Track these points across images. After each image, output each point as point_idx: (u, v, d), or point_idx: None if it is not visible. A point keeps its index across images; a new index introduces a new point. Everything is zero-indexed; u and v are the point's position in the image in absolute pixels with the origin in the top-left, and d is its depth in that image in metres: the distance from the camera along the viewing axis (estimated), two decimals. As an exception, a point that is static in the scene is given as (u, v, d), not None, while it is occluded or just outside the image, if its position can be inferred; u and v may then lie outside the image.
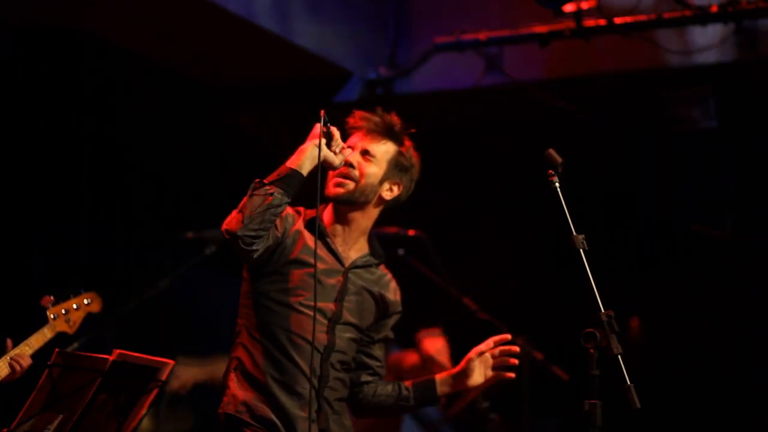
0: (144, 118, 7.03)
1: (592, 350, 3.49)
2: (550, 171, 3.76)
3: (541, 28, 6.82)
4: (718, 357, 7.06)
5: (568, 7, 6.59)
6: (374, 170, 4.16)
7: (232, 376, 4.06)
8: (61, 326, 4.25)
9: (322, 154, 3.97)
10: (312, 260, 4.05)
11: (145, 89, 7.03)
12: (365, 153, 4.17)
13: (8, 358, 4.04)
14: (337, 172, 4.15)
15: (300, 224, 4.13)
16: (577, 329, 3.53)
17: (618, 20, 6.68)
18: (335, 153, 4.03)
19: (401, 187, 4.23)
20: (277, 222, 4.02)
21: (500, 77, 7.12)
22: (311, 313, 4.02)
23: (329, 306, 4.09)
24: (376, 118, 4.21)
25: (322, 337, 4.06)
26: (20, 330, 4.20)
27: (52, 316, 4.23)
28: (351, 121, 4.22)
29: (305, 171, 3.95)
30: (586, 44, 6.82)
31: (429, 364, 6.22)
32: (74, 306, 4.33)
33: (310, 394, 4.00)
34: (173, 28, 6.78)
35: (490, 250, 7.56)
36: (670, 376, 7.09)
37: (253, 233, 3.89)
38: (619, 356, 3.46)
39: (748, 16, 6.56)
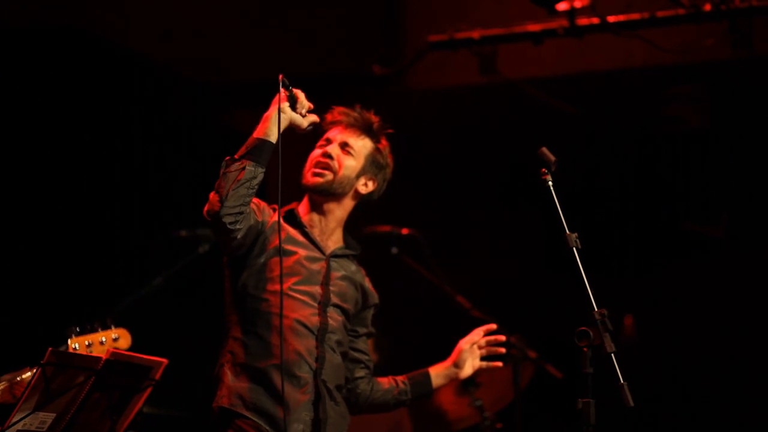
0: (139, 116, 7.02)
1: (585, 349, 3.50)
2: (543, 169, 3.77)
3: (534, 27, 6.83)
4: (711, 355, 7.06)
5: (562, 6, 6.60)
6: (352, 163, 4.23)
7: (226, 369, 4.09)
8: None
9: (289, 117, 3.99)
10: (294, 248, 4.13)
11: (141, 87, 7.02)
12: (344, 145, 4.24)
13: (10, 384, 3.99)
14: (315, 161, 4.22)
15: (277, 217, 4.17)
16: (571, 327, 3.53)
17: (611, 18, 6.69)
18: (302, 115, 4.03)
19: (375, 184, 4.30)
20: (255, 210, 4.07)
21: (494, 75, 7.12)
22: (301, 297, 4.10)
23: (316, 289, 4.15)
24: (356, 114, 4.29)
25: (314, 320, 4.12)
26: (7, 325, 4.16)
27: (73, 346, 4.16)
28: (329, 116, 4.28)
29: (273, 138, 3.97)
30: (580, 43, 6.82)
31: None
32: (100, 340, 4.23)
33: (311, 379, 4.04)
34: (171, 27, 6.79)
35: (483, 248, 7.56)
36: (663, 374, 7.10)
37: (233, 210, 3.91)
38: (613, 354, 3.47)
39: (742, 14, 6.56)
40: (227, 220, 3.91)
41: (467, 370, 4.40)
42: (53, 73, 6.64)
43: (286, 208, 4.26)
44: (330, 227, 4.26)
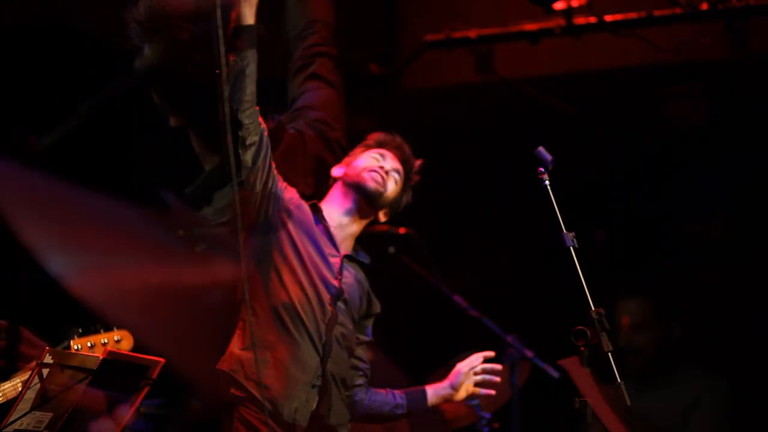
0: (138, 115, 7.01)
1: (582, 348, 3.50)
2: (540, 168, 3.78)
3: (531, 26, 6.83)
4: (708, 354, 7.06)
5: (559, 5, 6.60)
6: (394, 191, 4.31)
7: (236, 336, 4.13)
8: None
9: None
10: (315, 237, 4.18)
11: (140, 87, 7.02)
12: (395, 171, 4.34)
13: (20, 382, 4.00)
14: (372, 168, 4.32)
15: (306, 208, 4.24)
16: (568, 327, 3.54)
17: (608, 18, 6.69)
18: None
19: (387, 218, 4.39)
20: (280, 178, 4.09)
21: (490, 75, 7.12)
22: (319, 284, 4.14)
23: (331, 280, 4.19)
24: (409, 154, 4.44)
25: (326, 308, 4.15)
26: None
27: (75, 347, 4.17)
28: (386, 135, 4.43)
29: (249, 20, 3.96)
30: (577, 42, 6.82)
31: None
32: (102, 341, 4.25)
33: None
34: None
35: (480, 248, 7.56)
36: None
37: (245, 107, 3.88)
38: (610, 354, 3.47)
39: (739, 14, 6.56)
40: (243, 118, 3.87)
41: (461, 394, 4.52)
42: (52, 73, 6.64)
43: (309, 202, 4.32)
44: (345, 233, 4.33)
